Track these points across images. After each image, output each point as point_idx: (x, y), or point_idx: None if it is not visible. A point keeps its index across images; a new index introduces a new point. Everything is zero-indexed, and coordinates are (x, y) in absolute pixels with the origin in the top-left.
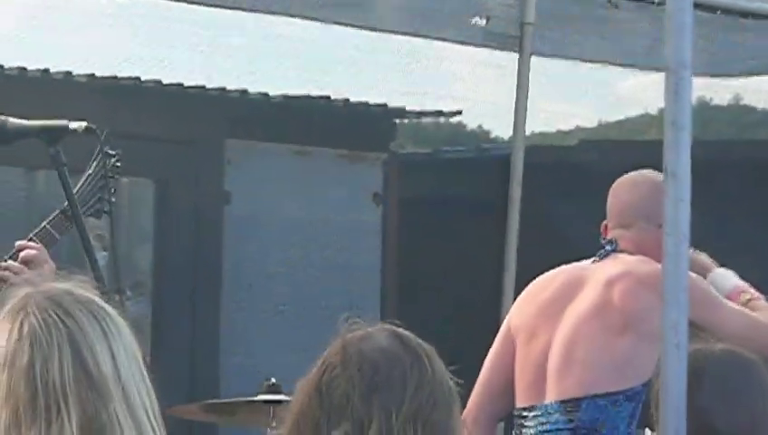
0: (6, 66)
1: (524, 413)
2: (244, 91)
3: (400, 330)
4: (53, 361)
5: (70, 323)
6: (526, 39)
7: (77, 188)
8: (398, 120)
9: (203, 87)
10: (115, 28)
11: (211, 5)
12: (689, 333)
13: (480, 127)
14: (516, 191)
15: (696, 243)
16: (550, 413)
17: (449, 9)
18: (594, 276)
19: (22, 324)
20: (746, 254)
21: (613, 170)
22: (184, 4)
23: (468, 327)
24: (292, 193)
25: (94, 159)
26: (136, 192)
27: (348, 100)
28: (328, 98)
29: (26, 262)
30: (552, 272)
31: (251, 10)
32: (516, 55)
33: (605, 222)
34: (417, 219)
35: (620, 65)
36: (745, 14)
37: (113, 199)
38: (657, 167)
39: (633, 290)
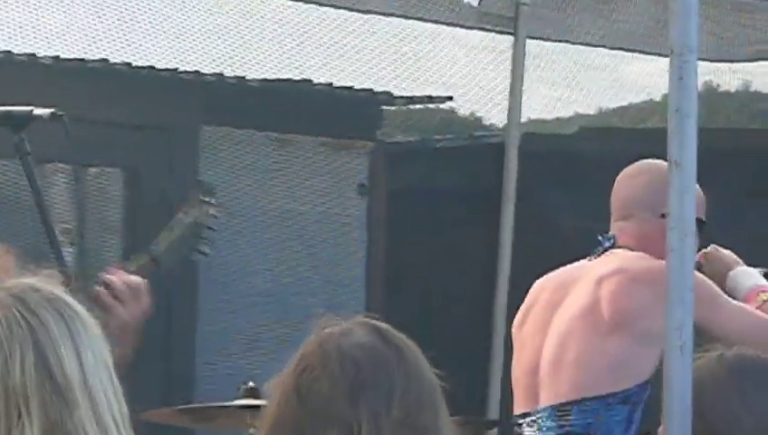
0: None
1: (520, 420)
2: (220, 75)
3: (379, 324)
4: (15, 362)
5: (34, 323)
6: (522, 20)
7: (166, 230)
8: (385, 107)
9: (175, 70)
10: (82, 7)
11: None
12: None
13: (473, 114)
14: (511, 182)
15: (703, 237)
16: (542, 419)
17: None
18: (587, 275)
19: None
20: (758, 248)
21: (614, 160)
22: None
23: (459, 325)
24: (271, 184)
25: (191, 206)
26: (104, 182)
27: (331, 84)
28: (310, 82)
29: (131, 287)
30: (550, 274)
31: None
32: (511, 38)
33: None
34: (406, 212)
35: (623, 49)
36: None
37: (206, 250)
38: (661, 156)
39: (625, 288)
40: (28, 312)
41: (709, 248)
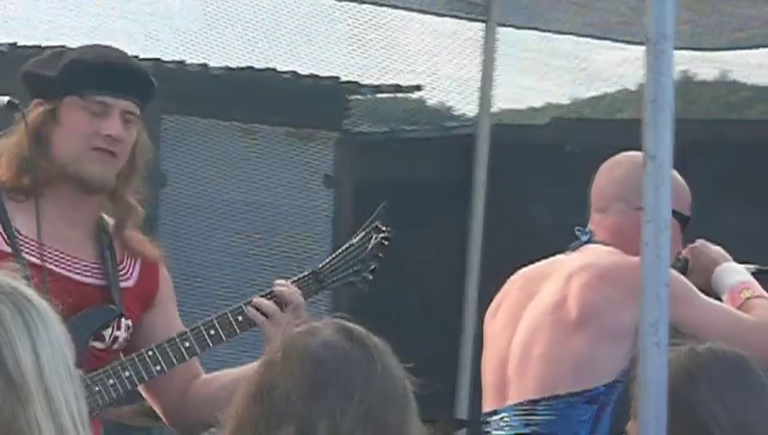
0: None
1: (487, 419)
2: (182, 63)
3: (349, 324)
4: None
5: None
6: (493, 7)
7: (337, 253)
8: (351, 96)
9: (136, 57)
10: None
11: None
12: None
13: (442, 103)
14: (481, 174)
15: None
16: (508, 417)
17: None
18: (559, 271)
19: None
20: (735, 241)
21: (587, 151)
22: None
23: (427, 320)
24: (235, 175)
25: (363, 230)
26: None
27: (296, 72)
28: (274, 70)
29: (279, 303)
30: (525, 268)
31: None
32: (482, 25)
33: None
34: (373, 204)
35: (596, 37)
36: None
37: (370, 277)
38: (637, 147)
39: (591, 283)
40: None
41: (697, 243)
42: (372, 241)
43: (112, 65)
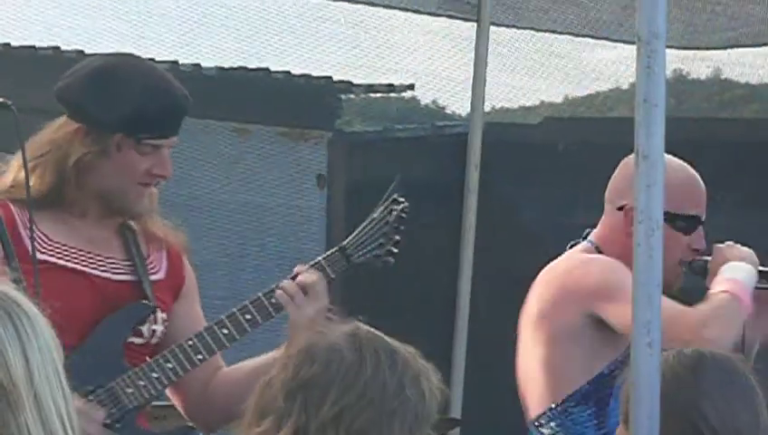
0: None
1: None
2: (175, 63)
3: (364, 328)
4: None
5: None
6: (485, 7)
7: (360, 228)
8: (344, 96)
9: None
10: None
11: None
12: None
13: (435, 103)
14: (473, 173)
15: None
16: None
17: None
18: (541, 277)
19: None
20: (728, 240)
21: (580, 150)
22: None
23: (421, 318)
24: (228, 175)
25: (382, 204)
26: None
27: (289, 72)
28: (267, 70)
29: (303, 287)
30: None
31: None
32: (474, 25)
33: None
34: (366, 204)
35: (589, 36)
36: None
37: (395, 250)
38: (629, 146)
39: (538, 290)
40: None
41: (723, 245)
42: (393, 214)
43: (168, 111)
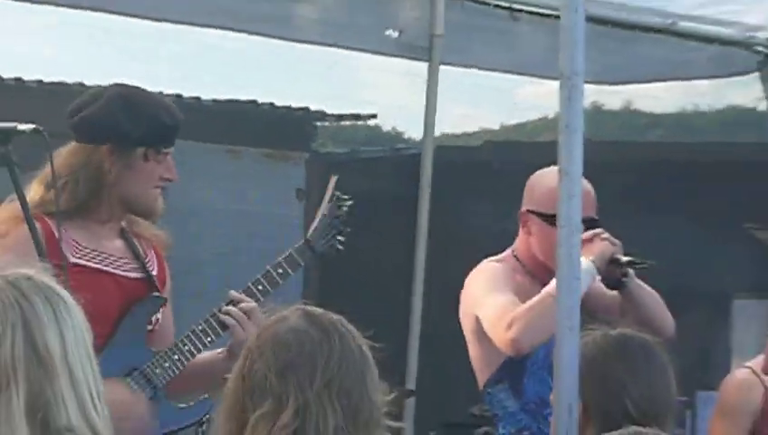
0: None
1: None
2: (179, 96)
3: (311, 308)
4: (6, 338)
5: (25, 306)
6: (435, 49)
7: (315, 224)
8: (318, 123)
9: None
10: (63, 39)
11: (147, 18)
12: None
13: (394, 129)
14: (426, 188)
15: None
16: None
17: (365, 22)
18: None
19: None
20: (637, 249)
21: (514, 169)
22: (124, 18)
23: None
24: (222, 188)
25: (328, 201)
26: None
27: (273, 104)
28: (255, 102)
29: (247, 312)
30: None
31: (189, 23)
32: (426, 64)
33: None
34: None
35: (521, 73)
36: (632, 26)
37: (341, 238)
38: (554, 164)
39: (462, 292)
40: (21, 297)
41: (593, 233)
42: (342, 210)
43: (176, 124)
